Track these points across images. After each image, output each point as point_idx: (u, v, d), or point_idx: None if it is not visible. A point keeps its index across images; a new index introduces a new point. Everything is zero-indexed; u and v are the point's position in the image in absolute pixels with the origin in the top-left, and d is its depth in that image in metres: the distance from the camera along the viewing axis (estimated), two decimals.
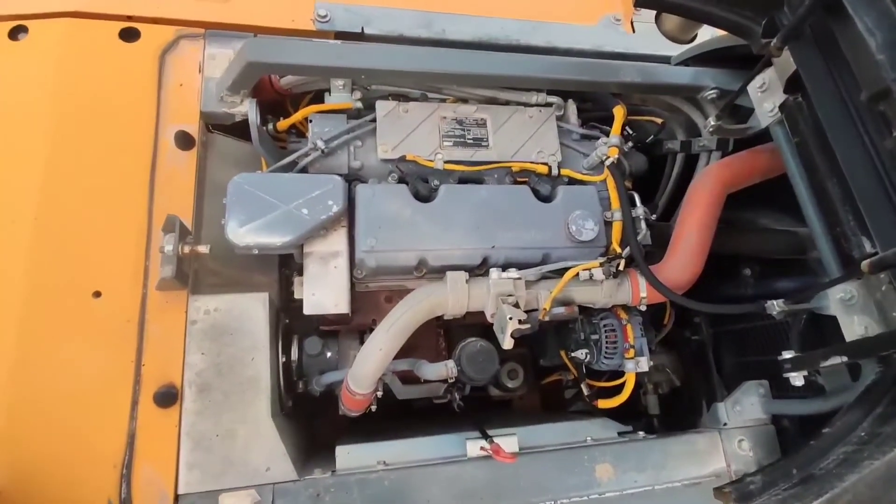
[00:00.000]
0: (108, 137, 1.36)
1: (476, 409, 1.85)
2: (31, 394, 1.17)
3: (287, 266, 1.59)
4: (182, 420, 1.22)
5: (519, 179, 1.53)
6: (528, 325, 1.28)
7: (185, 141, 1.39)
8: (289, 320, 1.56)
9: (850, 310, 1.21)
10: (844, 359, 1.03)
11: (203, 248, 1.24)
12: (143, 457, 1.18)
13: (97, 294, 1.25)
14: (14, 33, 1.41)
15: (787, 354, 1.25)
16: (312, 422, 2.12)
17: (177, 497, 1.17)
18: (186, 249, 1.23)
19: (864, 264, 0.96)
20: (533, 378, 2.19)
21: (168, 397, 1.21)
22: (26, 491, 1.11)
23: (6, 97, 1.36)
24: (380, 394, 1.40)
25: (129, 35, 1.45)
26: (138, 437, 1.18)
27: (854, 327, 1.18)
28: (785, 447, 1.52)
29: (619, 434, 1.54)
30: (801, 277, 1.63)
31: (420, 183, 1.42)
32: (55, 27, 1.42)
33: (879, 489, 0.75)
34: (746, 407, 1.54)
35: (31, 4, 1.43)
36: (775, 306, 1.32)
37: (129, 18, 1.48)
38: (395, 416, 2.19)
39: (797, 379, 1.23)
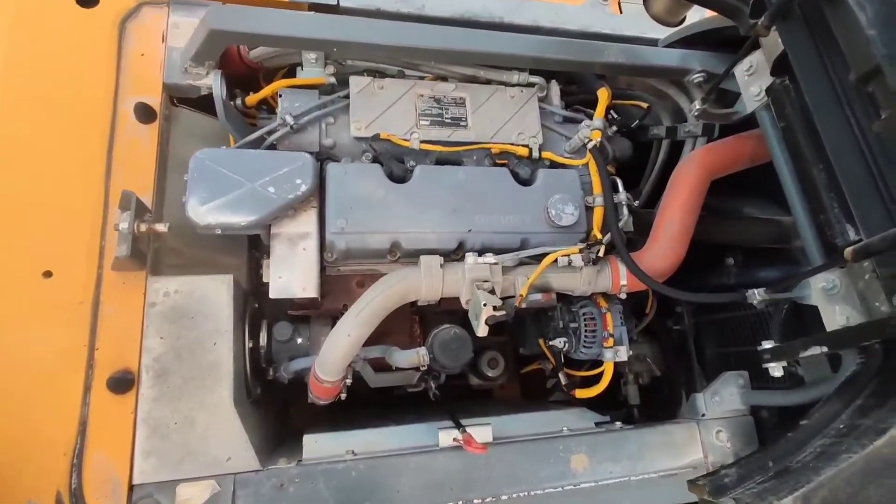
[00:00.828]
0: (63, 109, 1.28)
1: (455, 399, 1.81)
2: None
3: (257, 248, 1.53)
4: (138, 406, 1.16)
5: (498, 161, 1.48)
6: (503, 313, 1.23)
7: (145, 113, 1.32)
8: (258, 304, 1.50)
9: (831, 299, 1.17)
10: (825, 349, 1.00)
11: (161, 227, 1.18)
12: (95, 445, 1.12)
13: (47, 274, 1.18)
14: None
15: (767, 344, 1.22)
16: (287, 410, 2.07)
17: (131, 487, 1.12)
18: (143, 228, 1.16)
19: (848, 251, 0.93)
20: (514, 367, 2.16)
21: (123, 383, 1.15)
22: None
23: None
24: (349, 381, 1.35)
25: (86, 0, 1.36)
26: (91, 424, 1.13)
27: (835, 317, 1.15)
28: (763, 438, 1.50)
29: (597, 424, 1.51)
30: (784, 267, 1.60)
31: (395, 163, 1.36)
32: None
33: (857, 484, 0.72)
34: (725, 398, 1.52)
35: None
36: (756, 295, 1.28)
37: None
38: (372, 404, 2.15)
39: (776, 369, 1.21)
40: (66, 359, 1.15)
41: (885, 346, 1.05)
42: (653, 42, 1.77)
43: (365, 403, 2.18)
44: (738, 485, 0.94)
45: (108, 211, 1.25)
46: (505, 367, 2.06)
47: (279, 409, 1.88)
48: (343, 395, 1.38)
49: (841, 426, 0.92)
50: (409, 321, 1.57)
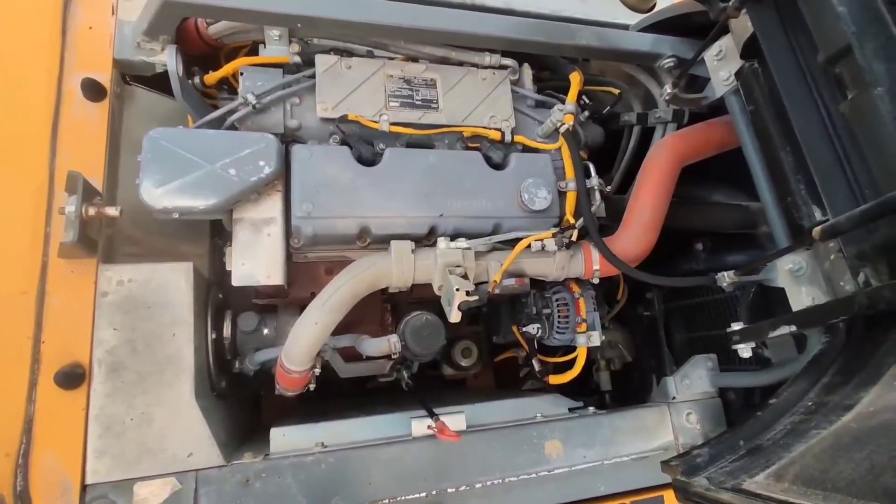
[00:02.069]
0: (1, 85, 1.19)
1: (428, 389, 1.79)
2: None
3: (219, 235, 1.46)
4: (90, 403, 1.09)
5: (470, 145, 1.45)
6: (475, 298, 1.21)
7: (94, 90, 1.23)
8: (222, 295, 1.44)
9: (798, 281, 1.19)
10: (793, 328, 1.01)
11: (112, 211, 1.10)
12: (43, 444, 1.04)
13: None
14: None
15: (736, 326, 1.23)
16: (257, 403, 2.01)
17: (84, 487, 1.05)
18: (92, 212, 1.08)
19: (816, 231, 0.93)
20: (487, 357, 2.15)
21: (73, 378, 1.08)
22: None
23: None
24: (317, 371, 1.30)
25: None
26: (37, 423, 1.05)
27: (801, 298, 1.17)
28: (731, 419, 1.53)
29: (570, 410, 1.50)
30: (751, 252, 1.63)
31: (363, 146, 1.32)
32: None
33: (827, 460, 0.73)
34: (695, 380, 1.54)
35: None
36: (725, 278, 1.30)
37: None
38: (345, 396, 2.11)
39: (745, 350, 1.22)
40: (8, 353, 1.07)
41: (848, 325, 1.07)
42: (623, 28, 1.76)
43: (337, 395, 2.13)
44: (711, 464, 0.94)
45: (53, 195, 1.16)
46: (479, 356, 2.06)
47: (248, 402, 1.81)
48: (312, 386, 1.33)
49: (809, 403, 0.93)
50: (381, 309, 1.53)
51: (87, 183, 1.11)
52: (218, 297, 1.41)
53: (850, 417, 0.79)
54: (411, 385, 1.59)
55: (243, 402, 1.69)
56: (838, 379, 0.95)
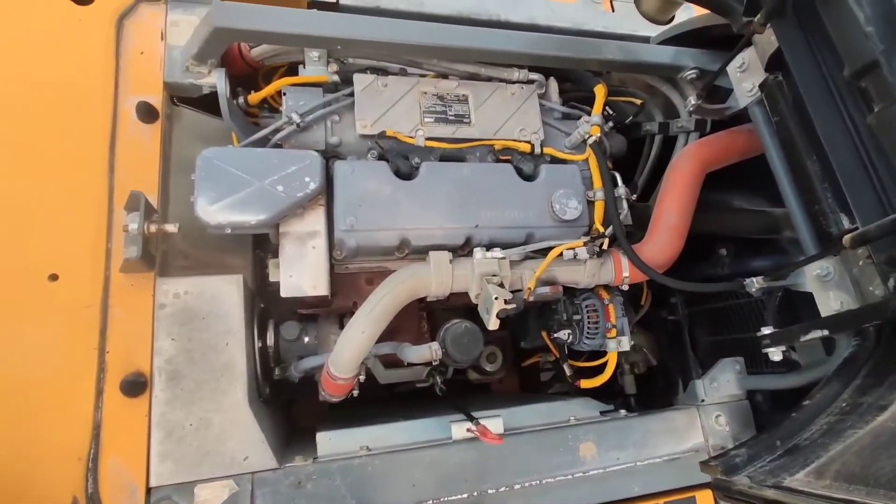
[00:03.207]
0: (61, 108, 1.26)
1: (455, 393, 1.83)
2: None
3: (261, 247, 1.52)
4: (152, 409, 1.15)
5: (501, 158, 1.50)
6: (513, 306, 1.25)
7: (147, 113, 1.30)
8: (264, 304, 1.49)
9: (826, 286, 1.23)
10: (825, 332, 1.05)
11: (171, 227, 1.17)
12: (110, 449, 1.11)
13: (53, 277, 1.16)
14: None
15: (766, 330, 1.27)
16: (290, 409, 2.07)
17: (149, 490, 1.11)
18: (153, 228, 1.15)
19: (846, 239, 0.97)
20: (511, 361, 2.19)
21: (136, 386, 1.14)
22: None
23: None
24: (363, 378, 1.35)
25: None
26: (104, 429, 1.11)
27: (830, 303, 1.21)
28: (758, 422, 1.56)
29: (601, 413, 1.54)
30: (774, 256, 1.66)
31: (401, 160, 1.37)
32: None
33: (867, 457, 0.77)
34: (723, 383, 1.57)
35: None
36: (754, 283, 1.33)
37: None
38: (375, 401, 2.16)
39: (776, 354, 1.26)
40: (77, 363, 1.13)
41: (877, 329, 1.11)
42: (644, 39, 1.82)
43: (366, 401, 2.19)
44: (749, 464, 0.98)
45: (113, 212, 1.23)
46: (503, 361, 2.10)
47: (283, 408, 1.87)
48: (356, 392, 1.39)
49: (843, 404, 0.97)
50: (418, 318, 1.59)
51: (148, 201, 1.17)
52: (260, 306, 1.47)
53: (887, 417, 0.82)
54: (444, 390, 1.64)
55: (280, 408, 1.75)
56: (871, 381, 0.98)
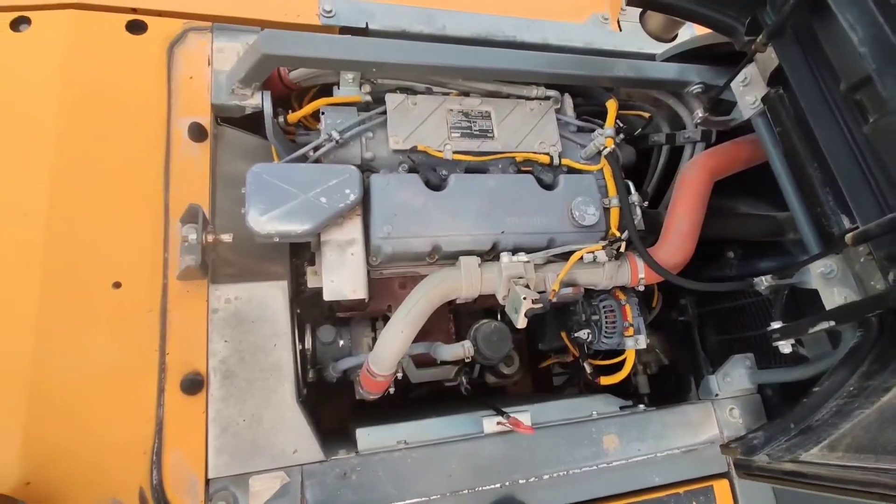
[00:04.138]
0: (120, 129, 1.36)
1: (474, 396, 1.91)
2: (55, 386, 1.16)
3: (297, 256, 1.62)
4: (209, 406, 1.24)
5: (522, 169, 1.60)
6: (540, 305, 1.35)
7: (198, 132, 1.40)
8: (300, 310, 1.58)
9: (829, 282, 1.33)
10: (832, 323, 1.14)
11: (226, 237, 1.26)
12: (172, 443, 1.19)
13: (117, 285, 1.25)
14: (16, 24, 1.39)
15: (776, 325, 1.36)
16: (316, 410, 2.15)
17: (207, 481, 1.19)
18: (210, 238, 1.24)
19: (848, 237, 1.07)
20: (526, 365, 2.28)
21: (194, 384, 1.23)
22: (55, 482, 1.11)
23: (9, 88, 1.34)
24: (400, 375, 1.44)
25: (135, 27, 1.45)
26: (166, 424, 1.20)
27: (834, 298, 1.30)
28: (770, 415, 1.65)
29: (621, 408, 1.63)
30: (779, 257, 1.76)
31: (430, 172, 1.48)
32: (59, 18, 1.41)
33: (875, 431, 0.85)
34: (735, 378, 1.66)
35: None
36: (763, 282, 1.43)
37: (134, 11, 1.47)
38: (396, 404, 2.24)
39: (785, 346, 1.35)
40: (140, 363, 1.22)
41: (879, 320, 1.20)
42: (650, 57, 1.93)
43: (387, 404, 2.27)
44: (767, 444, 1.07)
45: (169, 225, 1.33)
46: (520, 364, 2.19)
47: (312, 410, 1.95)
48: (392, 390, 1.47)
49: (851, 388, 1.05)
50: (446, 319, 1.68)
51: (204, 213, 1.27)
52: (297, 312, 1.56)
53: (891, 395, 0.91)
54: (470, 390, 1.72)
55: (311, 410, 1.83)
56: (875, 367, 1.07)
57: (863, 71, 1.01)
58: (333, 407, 2.05)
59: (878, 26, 0.97)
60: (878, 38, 0.97)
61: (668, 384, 2.13)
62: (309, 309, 1.62)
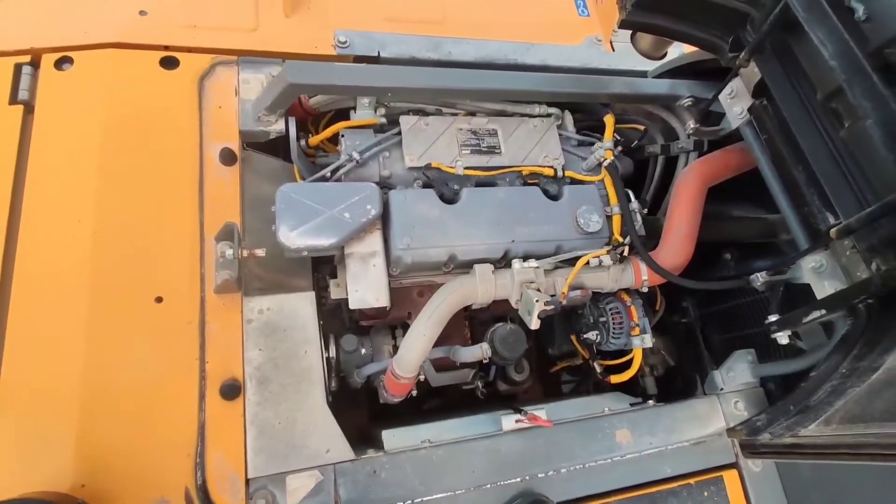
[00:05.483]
0: (158, 156, 1.47)
1: (487, 402, 1.99)
2: (105, 394, 1.25)
3: (318, 270, 1.71)
4: (246, 410, 1.32)
5: (529, 181, 1.71)
6: (552, 307, 1.44)
7: (229, 157, 1.51)
8: (322, 321, 1.67)
9: (820, 276, 1.42)
10: (823, 312, 1.23)
11: (260, 252, 1.36)
12: (213, 445, 1.27)
13: (159, 300, 1.35)
14: (59, 64, 1.51)
15: (773, 318, 1.46)
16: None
17: (247, 481, 1.26)
18: (245, 253, 1.34)
19: (833, 232, 1.18)
20: (536, 373, 2.36)
21: (233, 390, 1.32)
22: (107, 483, 1.18)
23: (56, 121, 1.45)
24: (422, 377, 1.53)
25: (168, 63, 1.57)
26: (208, 428, 1.28)
27: (825, 290, 1.40)
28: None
29: (631, 405, 1.71)
30: (773, 257, 1.86)
31: (444, 187, 1.59)
32: (99, 57, 1.53)
33: (864, 402, 0.94)
34: (738, 372, 1.74)
35: (74, 37, 1.54)
36: (759, 278, 1.53)
37: (167, 48, 1.60)
38: (411, 413, 2.31)
39: (783, 338, 1.44)
40: (182, 372, 1.31)
41: (867, 308, 1.29)
42: (642, 74, 2.07)
43: (397, 413, 2.34)
44: (769, 425, 1.15)
45: (205, 242, 1.43)
46: (530, 371, 2.27)
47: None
48: (414, 392, 1.56)
49: (843, 371, 1.14)
50: (462, 326, 1.77)
51: (239, 230, 1.37)
52: (319, 322, 1.65)
53: (879, 373, 1.00)
54: (485, 393, 1.81)
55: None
56: (865, 350, 1.17)
57: (834, 82, 1.12)
58: (349, 419, 2.12)
59: (845, 42, 1.09)
60: (845, 52, 1.08)
61: (675, 385, 2.21)
62: (331, 320, 1.72)
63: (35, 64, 1.50)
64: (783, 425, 1.10)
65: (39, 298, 1.29)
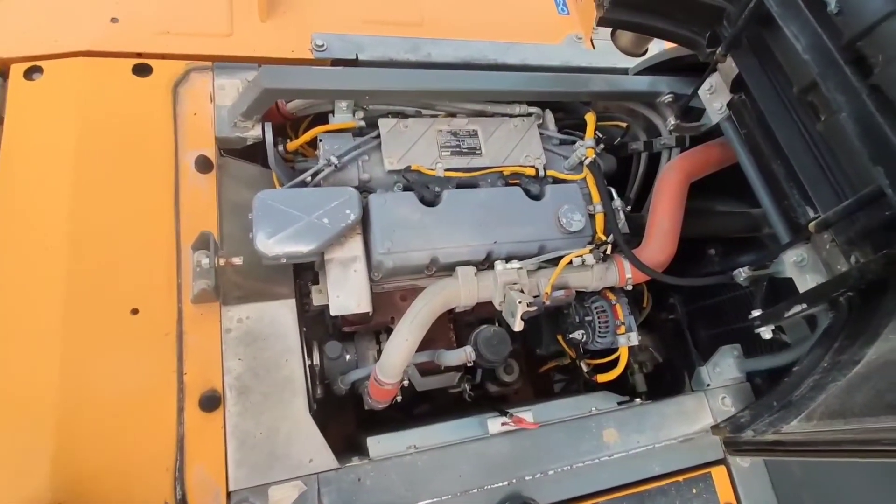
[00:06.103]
0: (132, 166, 1.45)
1: (476, 405, 1.98)
2: (81, 410, 1.22)
3: (300, 277, 1.69)
4: (226, 421, 1.30)
5: (510, 182, 1.70)
6: (535, 308, 1.43)
7: (205, 164, 1.49)
8: (305, 329, 1.65)
9: (802, 270, 1.42)
10: (805, 306, 1.23)
11: (237, 260, 1.34)
12: (193, 458, 1.24)
13: (135, 311, 1.32)
14: (29, 73, 1.48)
15: (756, 312, 1.45)
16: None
17: (229, 493, 1.24)
18: (222, 262, 1.32)
19: (812, 225, 1.17)
20: (526, 374, 2.35)
21: (212, 401, 1.29)
22: (85, 500, 1.16)
23: (27, 132, 1.43)
24: (406, 383, 1.51)
25: (141, 70, 1.55)
26: (187, 441, 1.25)
27: (807, 284, 1.39)
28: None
29: (619, 403, 1.70)
30: (757, 252, 1.86)
31: (425, 190, 1.57)
32: (69, 66, 1.50)
33: (844, 397, 0.93)
34: (725, 368, 1.74)
35: (44, 46, 1.51)
36: (741, 273, 1.52)
37: (139, 55, 1.57)
38: (399, 419, 2.29)
39: (766, 332, 1.44)
40: (160, 384, 1.28)
41: (848, 301, 1.29)
42: (623, 71, 2.06)
43: (390, 419, 2.32)
44: (753, 422, 1.14)
45: (181, 252, 1.40)
46: (519, 372, 2.26)
47: None
48: (399, 398, 1.54)
49: (825, 365, 1.14)
50: (447, 329, 1.75)
51: (215, 239, 1.35)
52: (303, 329, 1.63)
53: (859, 367, 1.00)
54: (473, 396, 1.79)
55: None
56: (846, 343, 1.16)
57: (809, 76, 1.12)
58: (335, 428, 2.10)
59: (818, 35, 1.08)
60: (818, 45, 1.08)
61: (664, 381, 2.20)
62: (314, 327, 1.70)
63: (3, 74, 1.47)
64: (766, 422, 1.09)
65: (12, 312, 1.26)
